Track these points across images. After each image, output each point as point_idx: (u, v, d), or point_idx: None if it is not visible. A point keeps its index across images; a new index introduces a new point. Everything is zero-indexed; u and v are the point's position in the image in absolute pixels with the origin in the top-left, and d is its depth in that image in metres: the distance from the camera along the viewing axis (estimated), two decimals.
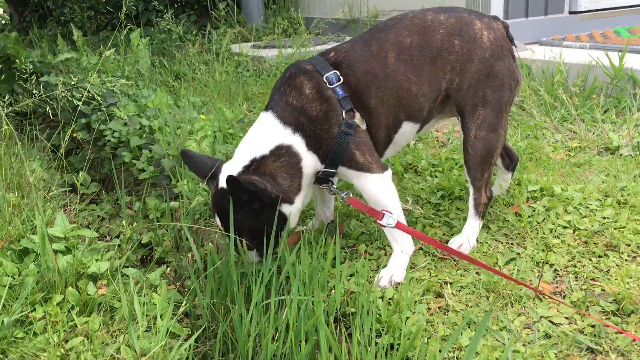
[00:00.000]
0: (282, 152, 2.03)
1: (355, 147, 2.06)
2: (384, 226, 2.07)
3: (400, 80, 2.08)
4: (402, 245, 2.14)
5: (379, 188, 2.10)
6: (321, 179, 2.17)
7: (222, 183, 2.02)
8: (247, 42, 6.40)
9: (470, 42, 2.10)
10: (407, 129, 2.17)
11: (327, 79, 2.04)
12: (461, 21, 2.13)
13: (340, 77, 2.05)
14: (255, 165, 2.03)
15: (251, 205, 2.00)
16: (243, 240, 2.05)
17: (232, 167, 2.05)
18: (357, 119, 2.06)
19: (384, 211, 2.06)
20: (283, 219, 2.07)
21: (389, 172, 2.12)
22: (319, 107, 2.03)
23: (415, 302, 1.98)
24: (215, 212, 2.09)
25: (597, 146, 3.17)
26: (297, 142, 2.04)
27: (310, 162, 2.07)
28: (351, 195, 2.13)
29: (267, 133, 2.05)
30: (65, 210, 2.77)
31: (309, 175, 2.10)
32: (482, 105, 2.12)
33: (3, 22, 7.75)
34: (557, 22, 5.45)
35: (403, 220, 2.13)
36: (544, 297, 1.93)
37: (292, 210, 2.08)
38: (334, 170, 2.11)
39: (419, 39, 2.10)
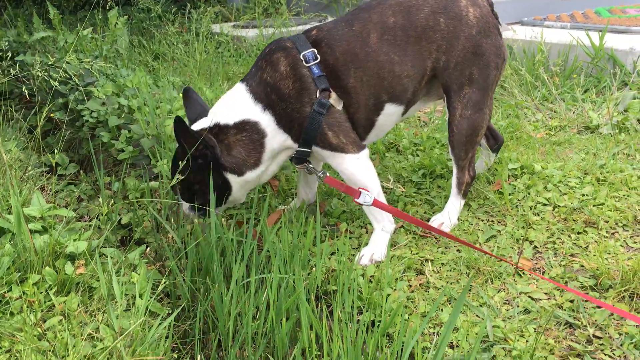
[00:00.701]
0: (246, 127, 2.06)
1: (328, 127, 2.04)
2: (361, 204, 2.06)
3: (382, 60, 2.05)
4: (383, 224, 2.14)
5: (355, 168, 2.09)
6: (297, 158, 2.15)
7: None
8: (227, 22, 6.32)
9: (455, 19, 2.08)
10: (391, 110, 2.14)
11: (304, 56, 2.03)
12: None
13: (318, 55, 2.03)
14: (217, 130, 2.07)
15: (196, 159, 2.04)
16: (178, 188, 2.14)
17: (199, 124, 2.15)
18: (333, 99, 2.04)
19: (361, 189, 2.05)
20: (226, 186, 2.12)
21: (366, 151, 2.11)
22: (292, 85, 2.02)
23: (396, 279, 1.98)
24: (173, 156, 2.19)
25: (577, 125, 3.19)
26: (266, 120, 2.05)
27: (278, 139, 2.08)
28: (327, 174, 2.13)
29: (236, 105, 2.08)
30: (42, 191, 2.72)
31: (272, 151, 2.10)
32: (469, 84, 2.10)
33: None
34: (539, 2, 5.45)
35: (382, 199, 2.13)
36: (523, 273, 1.95)
37: (237, 181, 2.12)
38: (309, 150, 2.10)
39: (403, 18, 2.07)
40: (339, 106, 2.06)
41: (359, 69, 2.04)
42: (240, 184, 2.14)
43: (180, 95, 3.49)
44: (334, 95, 2.04)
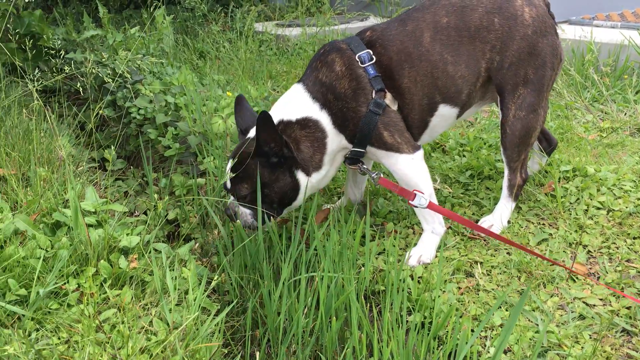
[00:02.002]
0: (309, 124, 2.04)
1: (384, 127, 2.03)
2: (416, 206, 2.04)
3: (435, 60, 2.03)
4: (433, 226, 2.12)
5: (409, 168, 2.07)
6: (351, 158, 2.15)
7: (251, 134, 2.10)
8: (270, 21, 6.36)
9: (510, 19, 2.05)
10: (444, 112, 2.12)
11: (360, 57, 2.03)
12: None
13: (373, 56, 2.03)
14: (282, 127, 2.05)
15: (269, 157, 2.00)
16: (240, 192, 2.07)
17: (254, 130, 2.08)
18: (388, 99, 2.03)
19: (415, 191, 2.03)
20: (295, 188, 2.07)
21: (421, 152, 2.09)
22: (348, 85, 2.02)
23: (445, 281, 1.96)
24: (232, 156, 2.08)
25: (630, 127, 3.10)
26: (324, 119, 2.05)
27: (335, 140, 2.07)
28: (382, 175, 2.11)
29: (296, 103, 2.07)
30: (93, 185, 2.78)
31: (332, 153, 2.09)
32: (523, 84, 2.07)
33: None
34: (587, 0, 5.32)
35: (434, 201, 2.11)
36: (577, 278, 1.90)
37: (305, 182, 2.08)
38: (363, 150, 2.09)
39: (456, 18, 2.05)
40: (394, 106, 2.05)
41: (413, 69, 2.03)
42: (307, 186, 2.10)
43: (227, 93, 3.53)
44: (389, 95, 2.03)
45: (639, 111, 3.20)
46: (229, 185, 2.11)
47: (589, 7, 5.24)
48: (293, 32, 5.45)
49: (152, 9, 5.03)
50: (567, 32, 4.48)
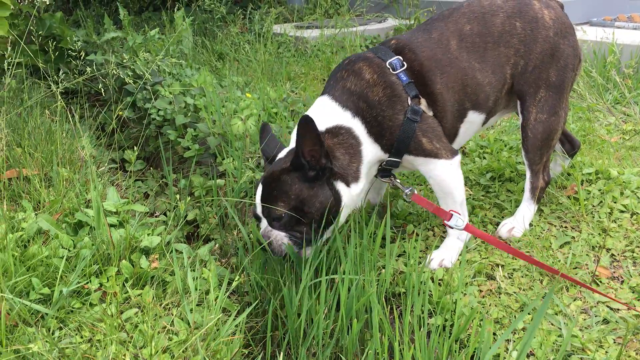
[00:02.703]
0: (341, 132, 1.92)
1: (422, 134, 1.96)
2: (451, 227, 2.00)
3: (464, 67, 2.01)
4: (459, 232, 2.09)
5: (446, 174, 2.00)
6: (384, 170, 2.07)
7: (280, 155, 1.98)
8: (288, 23, 6.37)
9: (532, 22, 2.05)
10: (473, 118, 2.09)
11: (391, 64, 1.96)
12: (519, 3, 2.09)
13: (404, 62, 1.97)
14: None
15: (305, 170, 1.86)
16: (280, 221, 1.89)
17: (290, 148, 1.98)
18: (424, 105, 1.97)
19: (452, 212, 1.98)
20: (337, 201, 1.91)
21: (458, 157, 2.03)
22: (382, 92, 1.93)
23: (466, 283, 1.94)
24: (261, 182, 1.93)
25: None
26: (357, 126, 1.93)
27: (371, 150, 1.96)
28: (415, 192, 2.04)
29: (324, 113, 1.95)
30: (114, 186, 2.81)
31: (369, 164, 1.98)
32: (545, 87, 2.06)
33: (48, 2, 7.87)
34: (608, 2, 5.27)
35: (465, 207, 2.08)
36: (600, 281, 1.88)
37: (346, 194, 1.93)
38: (399, 160, 2.01)
39: (479, 25, 2.04)
40: (430, 112, 1.99)
41: (444, 75, 1.99)
42: (348, 198, 1.94)
43: (246, 94, 3.54)
44: (423, 101, 1.97)
45: None
46: (259, 210, 1.93)
47: (610, 9, 5.18)
48: (312, 34, 5.46)
49: (171, 11, 5.07)
50: (589, 34, 4.44)
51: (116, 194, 2.15)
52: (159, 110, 3.56)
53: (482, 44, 2.03)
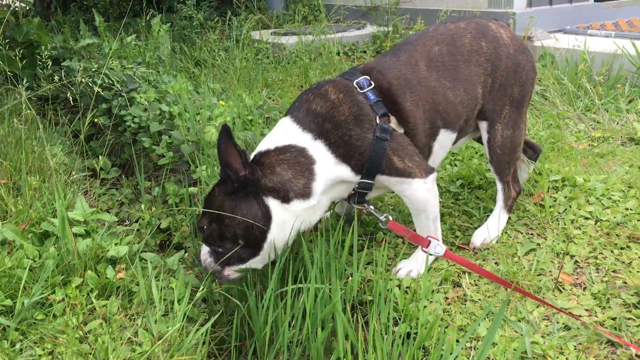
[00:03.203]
0: (290, 150, 1.87)
1: (393, 152, 1.91)
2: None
3: (434, 86, 2.00)
4: (431, 245, 2.08)
5: (420, 193, 1.96)
6: (359, 196, 2.02)
7: None
8: (267, 29, 6.39)
9: (494, 41, 2.12)
10: (444, 137, 2.07)
11: (358, 84, 1.93)
12: (479, 24, 2.16)
13: (371, 82, 1.94)
14: (257, 157, 1.90)
15: (231, 183, 1.81)
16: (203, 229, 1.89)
17: None
18: (394, 123, 1.93)
19: (430, 238, 1.97)
20: (265, 216, 1.83)
21: (433, 175, 1.98)
22: (348, 111, 1.89)
23: (433, 291, 1.96)
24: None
25: (621, 136, 3.11)
26: (316, 147, 1.88)
27: (335, 171, 1.90)
28: (391, 218, 2.01)
29: (281, 135, 1.92)
30: (85, 194, 2.79)
31: (329, 181, 1.91)
32: (509, 103, 2.12)
33: (27, 7, 7.82)
34: (582, 10, 5.35)
35: (438, 223, 2.07)
36: (563, 288, 1.91)
37: (279, 211, 1.85)
38: (372, 182, 1.96)
39: (447, 45, 2.07)
40: (400, 130, 1.96)
41: (414, 93, 1.97)
42: (283, 216, 1.86)
43: (220, 102, 3.54)
44: (393, 119, 1.94)
45: (631, 120, 3.21)
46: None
47: (584, 17, 5.26)
48: (289, 41, 5.48)
49: (149, 18, 5.06)
50: (561, 42, 4.50)
51: (84, 203, 2.14)
52: (134, 117, 3.55)
53: (453, 63, 2.05)
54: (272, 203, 1.84)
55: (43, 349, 1.53)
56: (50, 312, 1.67)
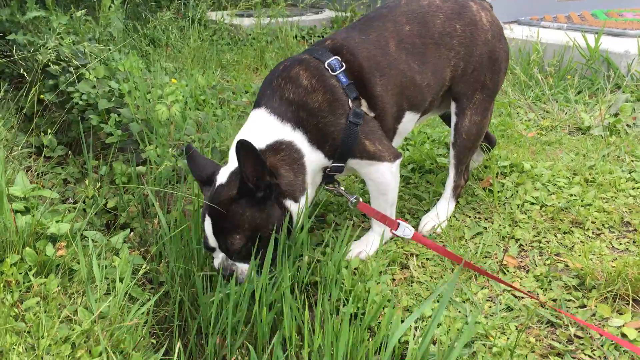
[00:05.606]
0: (282, 147, 1.83)
1: (365, 136, 1.89)
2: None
3: (403, 69, 1.96)
4: (383, 229, 2.06)
5: (386, 177, 1.97)
6: (328, 176, 1.99)
7: (221, 180, 1.83)
8: (224, 10, 6.28)
9: (471, 24, 2.05)
10: (409, 118, 2.06)
11: (329, 65, 1.87)
12: (457, 4, 2.07)
13: (343, 63, 1.89)
14: None
15: (254, 193, 1.76)
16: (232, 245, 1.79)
17: (222, 174, 1.84)
18: (364, 106, 1.91)
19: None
20: (290, 219, 1.84)
21: (399, 160, 1.99)
22: (322, 98, 1.84)
23: (381, 272, 1.97)
24: (207, 212, 1.79)
25: (569, 126, 3.18)
26: (298, 138, 1.84)
27: (314, 159, 1.89)
28: (361, 200, 2.00)
29: (262, 129, 1.84)
30: (28, 171, 2.70)
31: (313, 173, 1.91)
32: (481, 89, 2.09)
33: None
34: (536, 2, 5.45)
35: (395, 206, 2.08)
36: (507, 270, 1.94)
37: (295, 210, 1.85)
38: (343, 165, 1.95)
39: (418, 25, 2.00)
40: (371, 114, 1.93)
41: (384, 77, 1.93)
42: (297, 214, 1.87)
43: (172, 80, 3.46)
44: (364, 103, 1.90)
45: (579, 111, 3.29)
46: (212, 243, 1.81)
47: (538, 9, 5.36)
48: (246, 22, 5.40)
49: None
50: (515, 32, 4.57)
51: (25, 179, 2.06)
52: (82, 94, 3.44)
53: (422, 46, 1.99)
54: (290, 204, 1.84)
55: None
56: None
